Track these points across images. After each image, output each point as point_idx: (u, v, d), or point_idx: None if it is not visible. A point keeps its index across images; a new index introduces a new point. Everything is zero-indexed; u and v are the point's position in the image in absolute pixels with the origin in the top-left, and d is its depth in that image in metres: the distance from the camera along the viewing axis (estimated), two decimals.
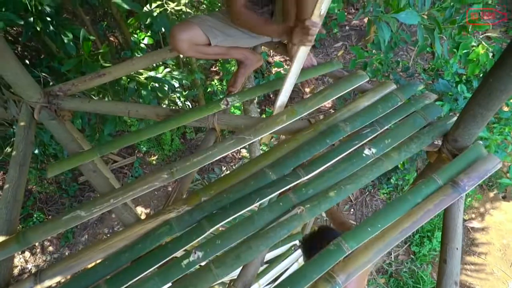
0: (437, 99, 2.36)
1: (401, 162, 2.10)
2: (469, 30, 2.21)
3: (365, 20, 4.71)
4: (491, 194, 3.64)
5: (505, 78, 0.98)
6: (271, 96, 4.24)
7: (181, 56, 2.90)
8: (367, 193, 3.73)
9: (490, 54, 2.35)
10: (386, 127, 1.33)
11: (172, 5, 2.51)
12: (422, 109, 1.38)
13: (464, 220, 3.51)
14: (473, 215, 3.54)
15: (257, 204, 1.14)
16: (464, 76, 2.74)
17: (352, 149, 1.25)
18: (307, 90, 1.59)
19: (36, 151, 2.66)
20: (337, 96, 1.41)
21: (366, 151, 1.23)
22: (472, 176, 1.13)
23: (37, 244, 3.50)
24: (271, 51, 4.57)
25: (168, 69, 2.57)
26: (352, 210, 3.66)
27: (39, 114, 1.48)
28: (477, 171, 1.14)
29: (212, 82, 4.08)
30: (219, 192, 1.18)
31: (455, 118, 1.25)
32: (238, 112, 3.92)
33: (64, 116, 1.64)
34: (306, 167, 1.21)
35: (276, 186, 1.16)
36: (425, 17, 2.20)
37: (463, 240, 3.36)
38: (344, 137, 1.30)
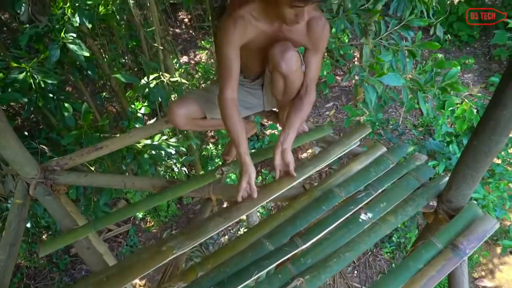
0: (429, 159, 2.40)
1: None
2: (450, 91, 2.33)
3: (353, 81, 4.97)
4: (498, 249, 3.53)
5: (488, 141, 1.02)
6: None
7: None
8: (370, 253, 3.60)
9: (475, 110, 2.46)
10: (380, 190, 1.34)
11: (168, 76, 2.65)
12: (414, 170, 1.41)
13: (475, 279, 3.35)
14: (483, 273, 3.39)
15: (255, 277, 1.10)
16: (453, 133, 2.82)
17: (348, 214, 1.25)
18: (303, 156, 1.62)
19: (28, 224, 2.60)
20: (328, 162, 1.43)
21: (363, 216, 1.23)
22: (471, 238, 1.11)
23: None
24: None
25: (164, 137, 2.63)
26: (356, 272, 3.50)
27: (35, 190, 1.48)
28: (476, 233, 1.13)
29: (208, 147, 4.15)
30: (216, 266, 1.15)
31: (447, 179, 1.27)
32: (233, 176, 3.93)
33: (60, 190, 1.64)
34: (304, 236, 1.19)
35: (274, 257, 1.13)
36: (409, 79, 2.34)
37: None
38: (339, 202, 1.30)
